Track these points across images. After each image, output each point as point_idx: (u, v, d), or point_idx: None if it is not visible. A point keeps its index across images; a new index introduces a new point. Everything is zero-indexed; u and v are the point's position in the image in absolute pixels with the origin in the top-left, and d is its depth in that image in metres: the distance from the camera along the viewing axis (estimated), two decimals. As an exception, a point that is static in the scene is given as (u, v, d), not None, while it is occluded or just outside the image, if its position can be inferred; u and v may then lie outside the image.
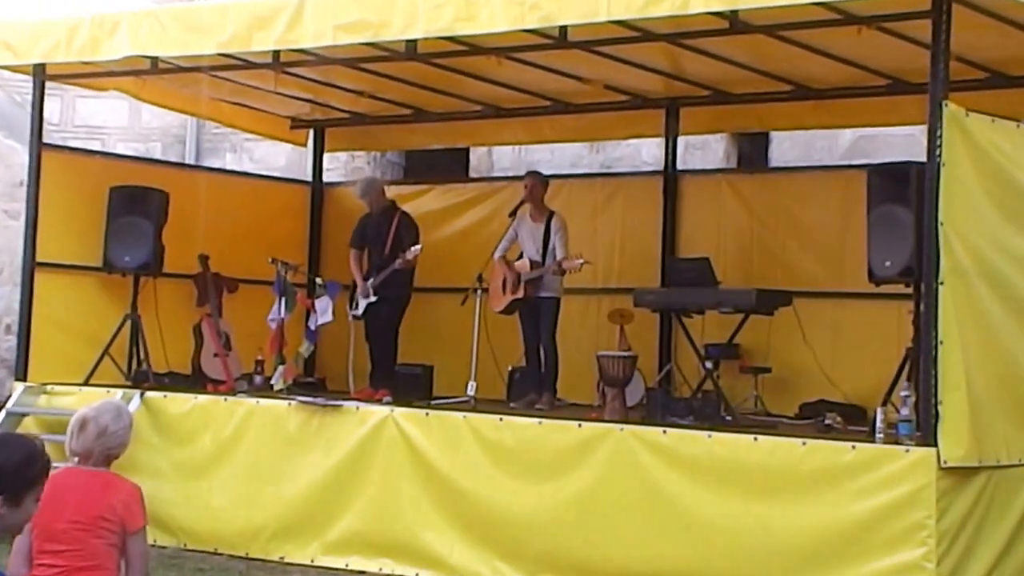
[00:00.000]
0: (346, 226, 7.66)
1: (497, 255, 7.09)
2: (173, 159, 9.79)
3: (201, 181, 8.01)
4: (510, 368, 7.22)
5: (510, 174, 8.55)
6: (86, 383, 6.91)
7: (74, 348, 7.08)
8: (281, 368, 6.90)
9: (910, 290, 5.79)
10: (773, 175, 7.93)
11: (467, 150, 9.44)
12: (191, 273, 7.54)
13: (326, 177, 8.70)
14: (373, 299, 7.20)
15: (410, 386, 6.96)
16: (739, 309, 6.55)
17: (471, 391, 6.55)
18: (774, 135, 8.51)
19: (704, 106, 7.35)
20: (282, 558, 6.05)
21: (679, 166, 7.68)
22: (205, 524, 6.26)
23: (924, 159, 5.05)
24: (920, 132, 5.41)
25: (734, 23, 5.44)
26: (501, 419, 5.78)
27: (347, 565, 5.90)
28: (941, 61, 4.97)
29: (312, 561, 5.97)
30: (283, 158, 9.62)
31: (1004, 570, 5.07)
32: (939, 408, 4.87)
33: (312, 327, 7.25)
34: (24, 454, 2.60)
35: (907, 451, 4.92)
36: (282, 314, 7.04)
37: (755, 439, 5.24)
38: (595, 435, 5.51)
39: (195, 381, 7.22)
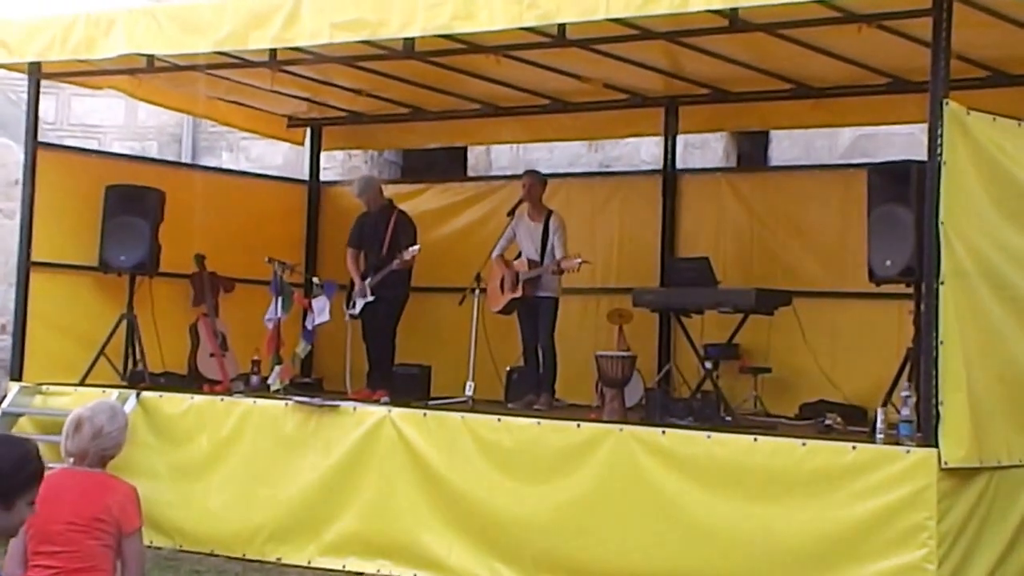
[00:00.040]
0: (343, 225, 7.64)
1: (495, 255, 7.07)
2: (169, 158, 9.76)
3: (197, 180, 7.98)
4: (508, 368, 7.21)
5: (508, 173, 8.52)
6: (82, 383, 6.90)
7: (69, 348, 7.07)
8: (278, 368, 6.89)
9: (911, 290, 5.76)
10: (773, 174, 7.91)
11: (465, 149, 9.41)
12: (187, 273, 7.53)
13: (323, 176, 8.68)
14: (371, 299, 7.18)
15: (408, 386, 6.94)
16: (739, 309, 6.53)
17: (469, 391, 6.54)
18: (774, 134, 8.48)
19: (703, 105, 7.34)
20: (279, 559, 6.04)
21: (678, 165, 7.66)
22: (201, 525, 6.25)
23: (925, 158, 5.04)
24: (920, 131, 5.41)
25: (734, 21, 5.44)
26: (499, 420, 5.76)
27: (344, 567, 5.89)
28: (942, 59, 4.97)
29: (309, 563, 5.96)
30: (280, 157, 9.60)
31: (1006, 572, 5.06)
32: (940, 409, 4.85)
33: (309, 327, 7.23)
34: (17, 456, 2.57)
35: (908, 452, 4.91)
36: (279, 314, 7.03)
37: (755, 440, 5.23)
38: (594, 436, 5.50)
39: (191, 381, 7.20)
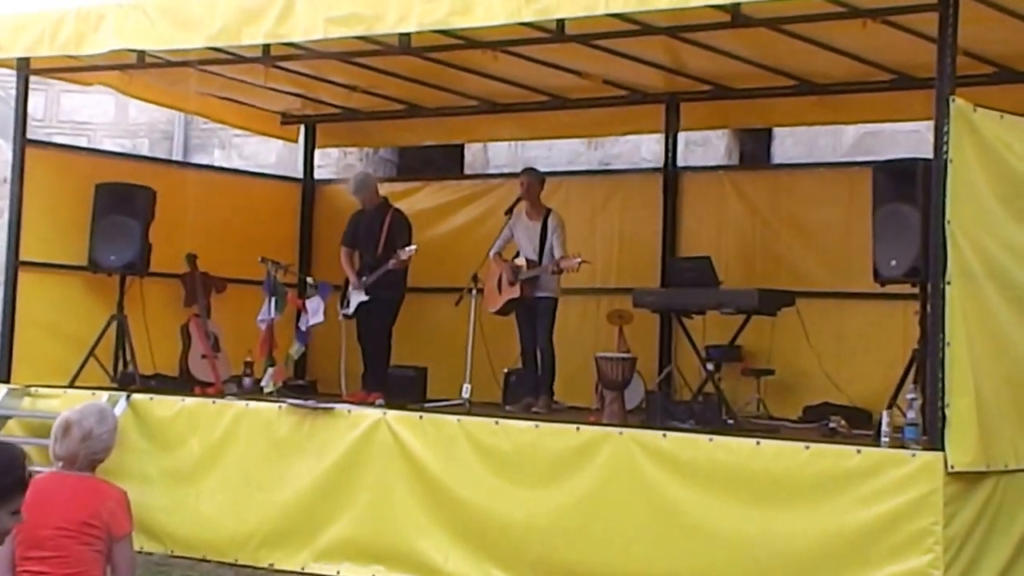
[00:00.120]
0: (338, 224, 7.62)
1: (491, 254, 6.99)
2: (160, 155, 9.82)
3: (189, 178, 7.97)
4: (506, 370, 7.18)
5: (506, 171, 8.51)
6: (71, 385, 6.88)
7: (58, 349, 7.06)
8: (271, 370, 6.87)
9: (916, 290, 5.76)
10: (776, 172, 7.88)
11: (462, 147, 9.40)
12: (179, 273, 7.53)
13: (317, 174, 8.67)
14: (365, 298, 7.11)
15: (403, 389, 6.93)
16: (741, 310, 6.53)
17: (466, 394, 6.49)
18: (776, 131, 8.49)
19: (705, 101, 7.33)
20: (271, 565, 6.02)
21: (679, 163, 7.64)
22: (193, 530, 6.22)
23: (930, 156, 5.03)
24: (926, 128, 5.46)
25: (736, 16, 5.45)
26: (497, 423, 5.73)
27: (339, 573, 5.86)
28: (948, 55, 4.95)
29: (303, 568, 5.94)
30: (273, 155, 9.59)
31: (1013, 578, 5.00)
32: (946, 411, 4.83)
33: (303, 328, 7.22)
34: (1, 463, 2.47)
35: (913, 456, 4.88)
36: (272, 315, 7.01)
37: (757, 443, 5.19)
38: (593, 439, 5.46)
39: (183, 383, 7.19)
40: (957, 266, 4.86)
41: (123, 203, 7.18)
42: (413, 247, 6.98)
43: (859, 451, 4.97)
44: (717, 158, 8.62)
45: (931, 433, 4.87)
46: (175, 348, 7.39)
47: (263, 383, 6.84)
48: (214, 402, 6.41)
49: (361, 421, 5.91)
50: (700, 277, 6.58)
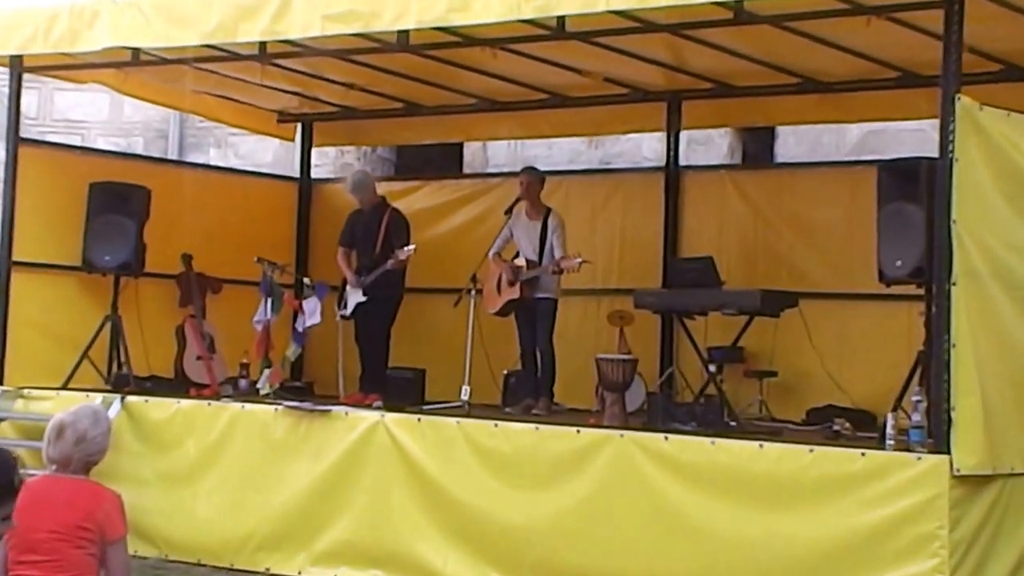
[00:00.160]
0: (335, 224, 7.62)
1: (491, 254, 6.95)
2: (155, 154, 9.81)
3: (185, 177, 7.95)
4: (505, 372, 7.18)
5: (505, 170, 8.49)
6: (64, 387, 6.86)
7: (52, 350, 7.04)
8: (267, 372, 6.86)
9: (921, 291, 5.76)
10: (778, 171, 7.87)
11: (461, 145, 9.38)
12: (174, 273, 7.53)
13: (314, 173, 8.66)
14: (363, 299, 7.07)
15: (402, 391, 6.94)
16: (743, 311, 6.51)
17: (465, 396, 6.48)
18: (779, 130, 8.48)
19: (707, 100, 7.31)
20: (268, 569, 6.01)
21: (681, 162, 7.63)
22: (188, 534, 6.21)
23: (935, 155, 5.04)
24: (931, 127, 5.47)
25: (738, 13, 5.45)
26: (496, 425, 5.72)
27: (336, 576, 5.80)
28: (953, 53, 4.93)
29: (300, 572, 5.93)
30: (269, 154, 9.57)
31: (1020, 582, 4.97)
32: (952, 414, 4.82)
33: (300, 329, 7.21)
34: None
35: (918, 459, 4.85)
36: (268, 315, 6.99)
37: (760, 446, 5.17)
38: (594, 442, 5.44)
39: (178, 385, 7.18)
40: (962, 266, 4.85)
41: (118, 202, 7.18)
42: (411, 247, 6.96)
43: (863, 454, 4.95)
44: (719, 157, 8.60)
45: (936, 436, 4.85)
46: (170, 349, 7.38)
47: (259, 385, 6.82)
48: (210, 404, 6.40)
49: (359, 423, 5.90)
50: (702, 278, 6.57)
